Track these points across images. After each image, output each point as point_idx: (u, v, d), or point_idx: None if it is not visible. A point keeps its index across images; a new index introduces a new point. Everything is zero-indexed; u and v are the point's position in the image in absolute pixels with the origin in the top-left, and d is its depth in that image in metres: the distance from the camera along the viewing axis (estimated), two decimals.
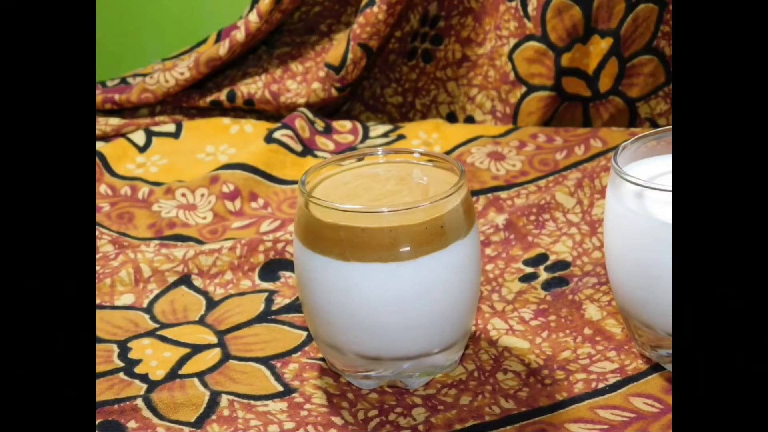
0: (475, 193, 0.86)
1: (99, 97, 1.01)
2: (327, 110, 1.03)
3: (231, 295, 0.76)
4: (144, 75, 1.06)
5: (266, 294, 0.76)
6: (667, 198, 0.61)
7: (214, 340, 0.71)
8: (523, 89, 0.96)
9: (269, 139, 0.94)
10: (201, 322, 0.73)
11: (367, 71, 1.03)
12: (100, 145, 0.95)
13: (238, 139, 0.97)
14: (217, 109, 1.02)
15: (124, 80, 1.08)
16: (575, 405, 0.64)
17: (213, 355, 0.70)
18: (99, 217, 0.86)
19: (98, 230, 0.85)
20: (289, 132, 0.95)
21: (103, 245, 0.83)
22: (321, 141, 0.96)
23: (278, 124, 0.96)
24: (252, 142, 0.95)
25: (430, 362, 0.65)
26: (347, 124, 0.98)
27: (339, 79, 0.99)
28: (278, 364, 0.68)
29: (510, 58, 0.97)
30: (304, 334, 0.71)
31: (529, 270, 0.77)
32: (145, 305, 0.75)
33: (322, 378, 0.67)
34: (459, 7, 1.00)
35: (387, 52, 1.03)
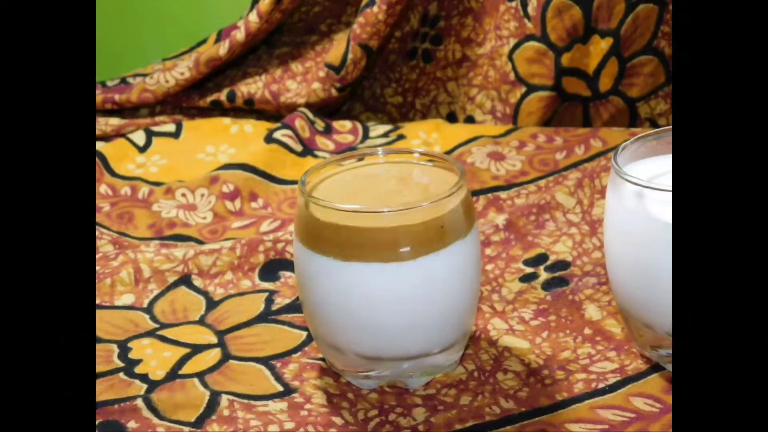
0: (475, 193, 0.86)
1: (99, 97, 1.01)
2: (327, 110, 1.03)
3: (231, 295, 0.76)
4: (144, 75, 1.06)
5: (266, 294, 0.76)
6: (667, 198, 0.61)
7: (214, 340, 0.71)
8: (523, 89, 0.96)
9: (269, 139, 0.94)
10: (201, 322, 0.73)
11: (367, 71, 1.03)
12: (100, 145, 0.95)
13: (238, 139, 0.97)
14: (217, 109, 1.02)
15: (124, 80, 1.08)
16: (575, 405, 0.64)
17: (213, 355, 0.70)
18: (99, 217, 0.86)
19: (98, 230, 0.85)
20: (289, 132, 0.95)
21: (103, 245, 0.83)
22: (321, 141, 0.96)
23: (278, 124, 0.96)
24: (252, 142, 0.95)
25: (430, 362, 0.65)
26: (347, 124, 0.98)
27: (339, 79, 0.99)
28: (278, 364, 0.68)
29: (510, 58, 0.97)
30: (304, 334, 0.71)
31: (529, 270, 0.77)
32: (145, 305, 0.75)
33: (322, 378, 0.67)
34: (459, 7, 1.00)
35: (387, 52, 1.03)
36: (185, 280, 0.77)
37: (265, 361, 0.69)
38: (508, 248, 0.79)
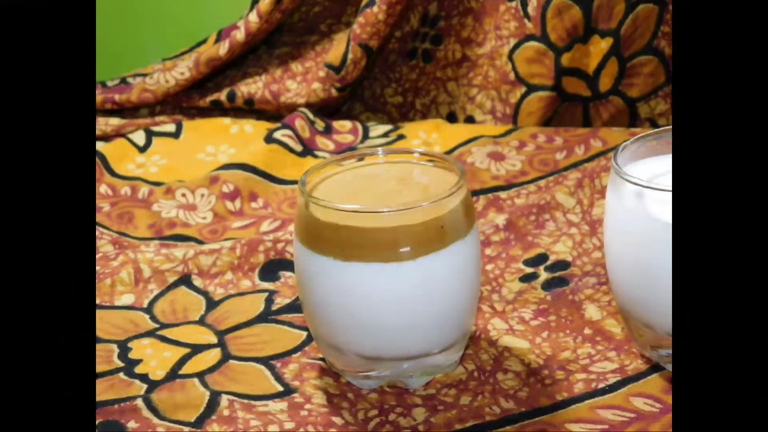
0: (475, 193, 0.86)
1: (99, 97, 1.01)
2: (327, 110, 1.03)
3: (231, 295, 0.76)
4: (144, 75, 1.06)
5: (266, 294, 0.76)
6: (667, 198, 0.61)
7: (214, 340, 0.71)
8: (523, 89, 0.96)
9: (269, 139, 0.94)
10: (201, 322, 0.73)
11: (367, 71, 1.03)
12: (100, 145, 0.95)
13: (238, 139, 0.97)
14: (217, 109, 1.02)
15: (124, 80, 1.08)
16: (575, 405, 0.64)
17: (213, 355, 0.70)
18: (99, 217, 0.86)
19: (98, 230, 0.85)
20: (289, 132, 0.95)
21: (103, 245, 0.83)
22: (321, 141, 0.96)
23: (278, 124, 0.97)
24: (252, 142, 0.95)
25: (430, 362, 0.65)
26: (347, 124, 0.98)
27: (339, 79, 0.99)
28: (278, 364, 0.68)
29: (510, 58, 0.97)
30: (304, 334, 0.71)
31: (529, 270, 0.77)
32: (145, 305, 0.75)
33: (322, 378, 0.67)
34: (459, 7, 1.00)
35: (387, 52, 1.03)
36: (185, 280, 0.77)
37: (265, 361, 0.69)
38: (508, 248, 0.79)
